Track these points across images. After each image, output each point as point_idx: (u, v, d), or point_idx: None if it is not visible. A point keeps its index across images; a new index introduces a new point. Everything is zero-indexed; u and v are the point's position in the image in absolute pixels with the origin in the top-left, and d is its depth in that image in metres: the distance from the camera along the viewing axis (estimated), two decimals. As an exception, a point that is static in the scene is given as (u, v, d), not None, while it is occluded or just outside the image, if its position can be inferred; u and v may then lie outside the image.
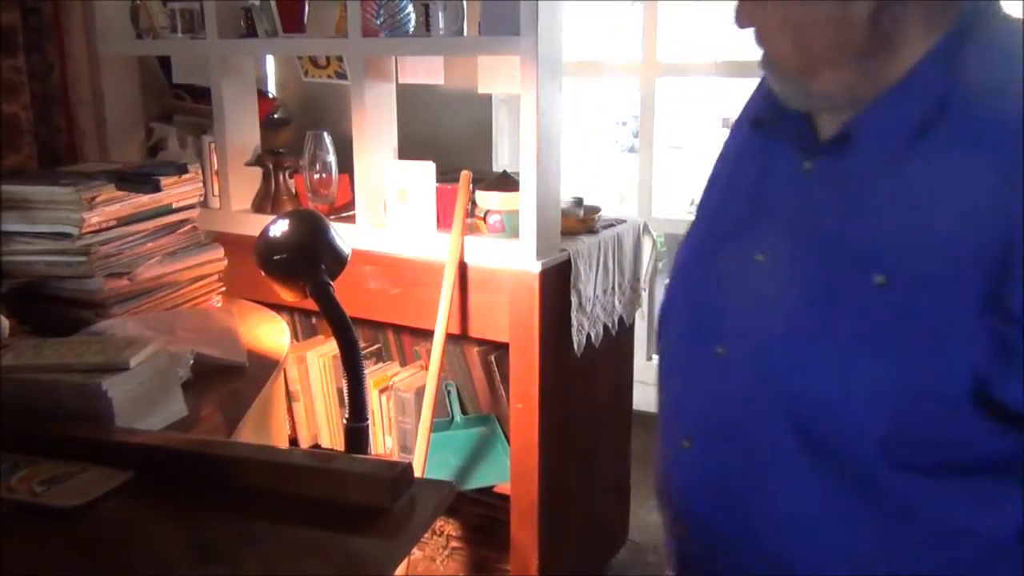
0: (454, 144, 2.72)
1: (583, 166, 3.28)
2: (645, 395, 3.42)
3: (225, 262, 1.68)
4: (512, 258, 1.99)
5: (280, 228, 1.51)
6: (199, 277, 1.61)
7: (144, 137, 2.52)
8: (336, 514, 0.96)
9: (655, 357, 3.78)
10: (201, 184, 1.63)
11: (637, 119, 3.50)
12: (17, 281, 1.44)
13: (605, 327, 2.25)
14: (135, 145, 2.50)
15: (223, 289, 1.69)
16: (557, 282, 2.05)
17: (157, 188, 1.45)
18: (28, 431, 1.09)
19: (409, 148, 2.29)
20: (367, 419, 1.35)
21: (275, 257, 1.48)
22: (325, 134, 2.25)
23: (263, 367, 1.48)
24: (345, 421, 1.37)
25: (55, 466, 1.03)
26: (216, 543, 0.96)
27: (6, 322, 1.30)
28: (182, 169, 1.52)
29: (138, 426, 1.16)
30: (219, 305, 1.66)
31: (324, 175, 2.26)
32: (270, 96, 2.90)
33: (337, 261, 1.53)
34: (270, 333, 1.59)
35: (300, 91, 2.97)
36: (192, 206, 1.61)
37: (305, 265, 1.47)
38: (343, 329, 1.39)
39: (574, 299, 2.09)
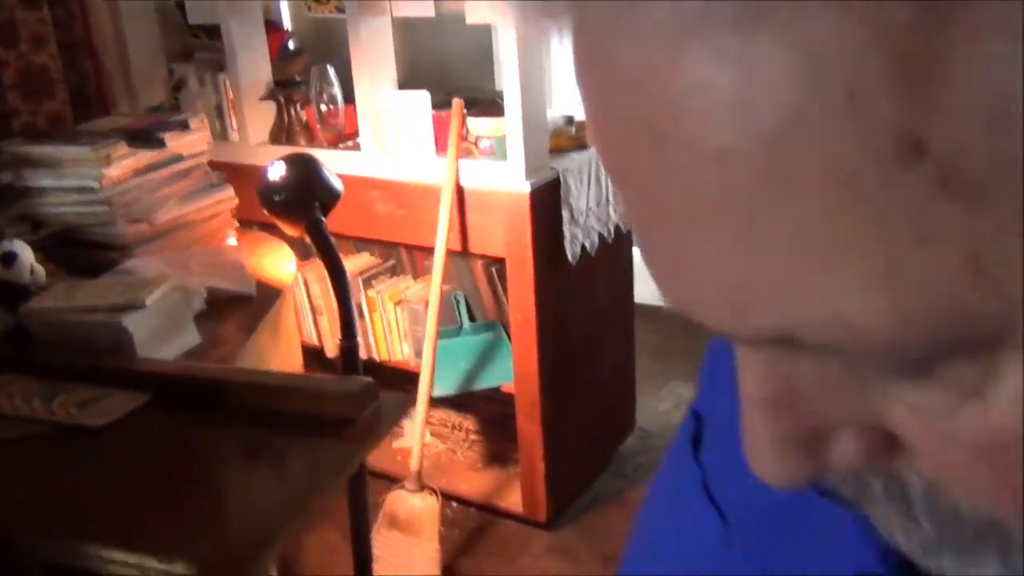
0: (459, 69, 2.84)
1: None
2: (655, 289, 3.59)
3: (235, 200, 1.86)
4: (503, 180, 2.15)
5: (278, 171, 1.68)
6: (212, 216, 1.80)
7: (167, 76, 2.70)
8: (313, 424, 1.17)
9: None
10: (207, 132, 1.80)
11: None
12: (52, 230, 1.65)
13: (600, 235, 2.40)
14: (159, 84, 2.68)
15: (236, 225, 1.89)
16: (549, 198, 2.20)
17: (162, 144, 1.64)
18: (64, 363, 1.32)
19: (419, 76, 2.42)
20: (356, 337, 1.55)
21: (275, 198, 1.67)
22: (329, 67, 2.41)
23: (270, 294, 1.68)
24: (339, 341, 1.58)
25: (87, 391, 1.26)
26: (218, 452, 1.18)
27: (41, 269, 1.51)
28: (183, 125, 1.70)
29: (156, 355, 1.37)
30: (233, 239, 1.86)
31: (331, 106, 2.43)
32: (284, 28, 3.03)
33: (331, 196, 1.71)
34: (276, 262, 1.79)
35: (313, 22, 3.09)
36: (201, 153, 1.80)
37: (300, 204, 1.65)
38: (332, 260, 1.58)
39: (565, 213, 2.24)
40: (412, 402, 1.33)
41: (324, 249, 1.57)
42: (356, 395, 1.17)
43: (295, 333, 1.84)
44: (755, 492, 0.37)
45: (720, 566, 0.39)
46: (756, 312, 0.21)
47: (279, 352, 1.65)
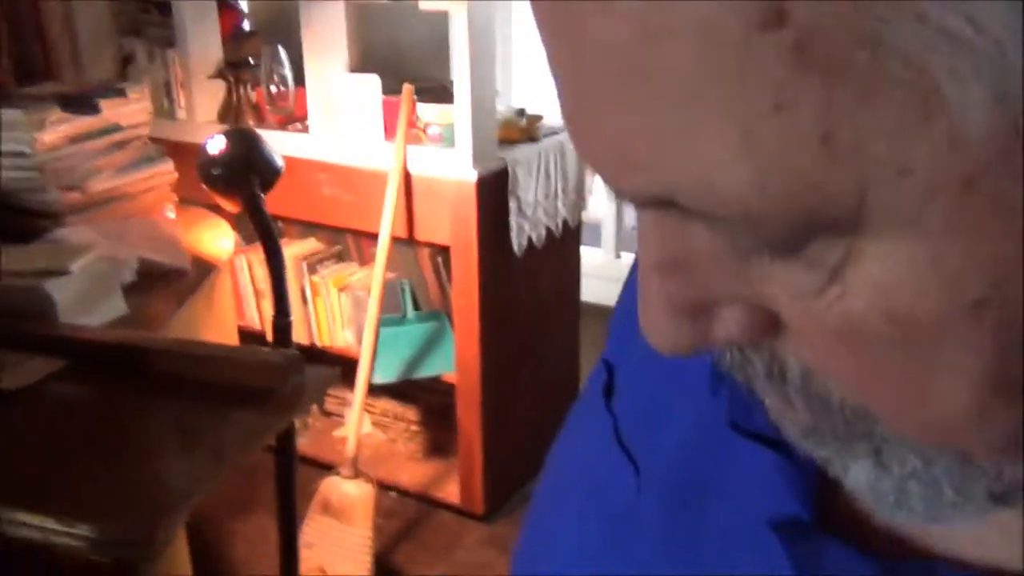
0: (414, 57, 2.83)
1: (539, 75, 3.35)
2: (605, 289, 3.59)
3: (175, 175, 1.84)
4: (450, 167, 2.14)
5: (217, 145, 1.66)
6: (149, 189, 1.77)
7: (116, 51, 2.65)
8: (234, 394, 1.15)
9: (623, 255, 3.93)
10: (148, 103, 1.78)
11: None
12: (-16, 194, 1.62)
13: (548, 229, 2.40)
14: (108, 59, 2.63)
15: (174, 200, 1.86)
16: (496, 188, 2.20)
17: (96, 110, 1.61)
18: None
19: (372, 61, 2.39)
20: (289, 314, 1.53)
21: (212, 171, 1.65)
22: (280, 48, 2.38)
23: (206, 269, 1.66)
24: (273, 318, 1.56)
25: (4, 355, 1.23)
26: (135, 418, 1.15)
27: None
28: (120, 92, 1.67)
29: (80, 322, 1.34)
30: (172, 215, 1.83)
31: (281, 88, 2.40)
32: (239, 9, 3.00)
33: (272, 173, 1.69)
34: (214, 238, 1.76)
35: (269, 4, 3.06)
36: (141, 124, 1.77)
37: (238, 179, 1.62)
38: (269, 236, 1.56)
39: (513, 204, 2.24)
40: (341, 378, 1.32)
41: (261, 225, 1.56)
42: (279, 366, 1.16)
43: (231, 312, 1.81)
44: (667, 439, 0.39)
45: (633, 514, 0.38)
46: (636, 171, 0.22)
47: (211, 329, 1.63)
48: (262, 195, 1.62)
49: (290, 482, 1.54)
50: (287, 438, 1.44)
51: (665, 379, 0.40)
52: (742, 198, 0.20)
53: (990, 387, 0.22)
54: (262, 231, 1.56)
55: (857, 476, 0.27)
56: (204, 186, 1.65)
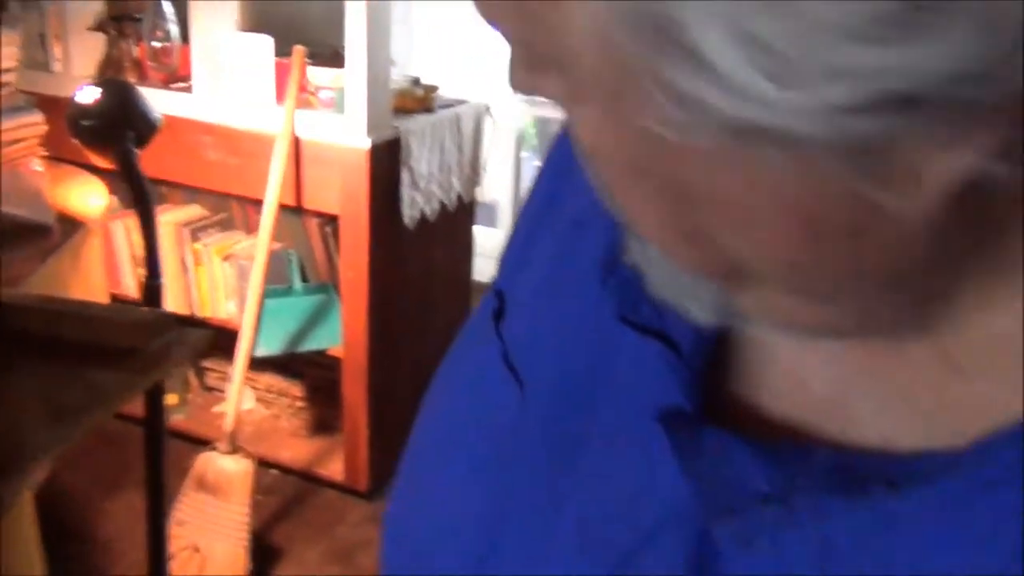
0: (312, 22, 2.74)
1: (449, 46, 3.30)
2: (491, 266, 3.59)
3: (44, 127, 1.72)
4: (341, 134, 2.07)
5: (90, 95, 1.56)
6: (15, 140, 1.66)
7: (-14, -3, 2.48)
8: (95, 353, 1.07)
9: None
10: (14, 48, 1.66)
11: None
12: None
13: (442, 204, 2.36)
14: (-24, 5, 2.46)
15: (44, 153, 1.74)
16: (389, 158, 2.14)
17: (-47, 50, 1.49)
18: None
19: (266, 23, 2.30)
20: (160, 276, 1.45)
21: (83, 123, 1.55)
22: (165, 2, 2.27)
23: (73, 228, 1.56)
24: (144, 279, 1.47)
25: None
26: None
27: None
28: (-17, 33, 1.56)
29: (-73, 275, 1.24)
30: (39, 168, 1.72)
31: (166, 44, 2.29)
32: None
33: (148, 128, 1.60)
34: (84, 195, 1.66)
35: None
36: (7, 70, 1.65)
37: (111, 132, 1.53)
38: (142, 195, 1.48)
39: (405, 175, 2.19)
40: (222, 351, 1.26)
41: (133, 181, 1.47)
42: (144, 324, 1.09)
43: (100, 274, 1.71)
44: (554, 349, 0.40)
45: (517, 429, 0.39)
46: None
47: (78, 289, 1.54)
48: (136, 151, 1.54)
49: (159, 452, 1.46)
50: (155, 403, 1.37)
51: (557, 302, 0.41)
52: (502, 22, 0.26)
53: (672, 230, 0.26)
54: (135, 189, 1.47)
55: (631, 246, 0.32)
56: (74, 138, 1.55)
